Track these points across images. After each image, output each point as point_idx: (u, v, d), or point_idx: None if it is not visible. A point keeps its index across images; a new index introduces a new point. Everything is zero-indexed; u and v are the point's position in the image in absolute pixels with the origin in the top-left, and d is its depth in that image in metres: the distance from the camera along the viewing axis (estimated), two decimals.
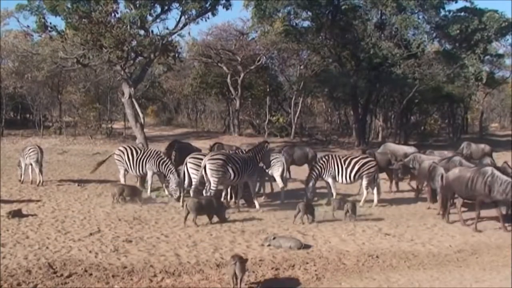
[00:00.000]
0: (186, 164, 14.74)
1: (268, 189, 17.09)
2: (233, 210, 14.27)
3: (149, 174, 16.37)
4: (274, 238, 11.01)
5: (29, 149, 18.00)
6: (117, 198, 14.65)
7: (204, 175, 13.97)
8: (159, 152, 16.88)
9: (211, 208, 12.61)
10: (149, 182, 16.38)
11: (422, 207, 15.63)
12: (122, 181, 16.57)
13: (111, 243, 10.83)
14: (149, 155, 16.44)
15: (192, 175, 14.58)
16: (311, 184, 15.65)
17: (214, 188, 13.94)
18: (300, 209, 12.93)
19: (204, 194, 13.78)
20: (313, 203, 14.70)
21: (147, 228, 12.16)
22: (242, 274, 8.34)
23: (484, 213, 14.52)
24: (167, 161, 16.31)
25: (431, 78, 35.68)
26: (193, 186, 14.50)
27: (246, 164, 14.46)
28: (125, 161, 16.49)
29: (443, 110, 46.73)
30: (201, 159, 14.66)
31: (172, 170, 15.93)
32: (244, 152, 16.36)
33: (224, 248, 10.66)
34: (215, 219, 12.69)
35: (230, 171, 14.06)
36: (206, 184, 14.00)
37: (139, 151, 16.71)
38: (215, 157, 14.24)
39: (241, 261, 8.40)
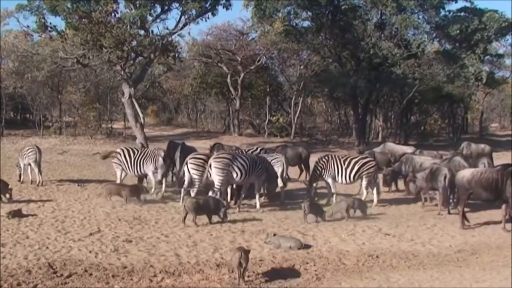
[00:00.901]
0: (187, 164, 14.74)
1: None
2: (233, 210, 14.26)
3: (150, 174, 16.32)
4: (274, 235, 11.02)
5: (27, 149, 17.96)
6: (128, 198, 14.57)
7: (210, 174, 13.99)
8: (155, 151, 16.69)
9: (210, 208, 12.56)
10: (153, 183, 16.27)
11: (422, 207, 15.61)
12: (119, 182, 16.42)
13: (111, 243, 10.83)
14: (147, 155, 16.33)
15: (193, 175, 14.58)
16: (314, 184, 15.73)
17: (218, 187, 13.95)
18: (306, 208, 12.96)
19: (210, 194, 13.79)
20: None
21: (147, 228, 12.16)
22: (246, 265, 8.57)
23: (484, 213, 14.59)
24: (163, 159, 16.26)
25: (431, 78, 35.70)
26: (193, 187, 14.51)
27: (254, 163, 14.40)
28: (123, 162, 16.33)
29: (443, 110, 46.76)
30: (202, 159, 14.67)
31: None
32: (244, 152, 16.35)
33: (224, 248, 10.66)
34: (216, 218, 12.66)
35: (236, 170, 14.04)
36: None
37: (136, 152, 16.57)
38: (220, 156, 14.26)
39: (245, 252, 8.64)
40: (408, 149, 21.06)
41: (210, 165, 13.98)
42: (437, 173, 14.85)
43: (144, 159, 16.23)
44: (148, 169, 16.16)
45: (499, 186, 12.45)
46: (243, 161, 14.22)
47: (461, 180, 13.08)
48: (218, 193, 14.08)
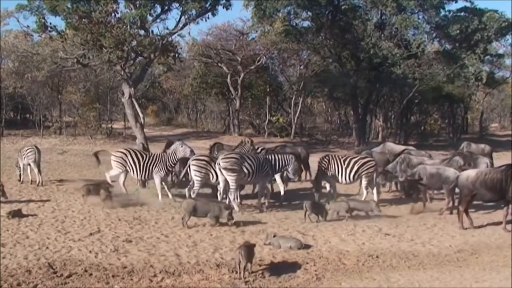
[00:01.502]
0: (188, 166, 14.71)
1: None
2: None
3: (157, 180, 15.72)
4: (274, 236, 11.03)
5: (27, 149, 17.92)
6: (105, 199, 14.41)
7: (220, 176, 13.99)
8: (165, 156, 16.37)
9: (207, 210, 12.28)
10: (159, 187, 15.98)
11: (422, 207, 15.59)
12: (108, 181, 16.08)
13: (111, 243, 10.84)
14: (157, 161, 15.80)
15: (194, 177, 14.57)
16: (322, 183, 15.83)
17: (233, 187, 13.98)
18: (307, 207, 12.97)
19: (224, 196, 13.82)
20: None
21: (147, 228, 12.17)
22: (247, 261, 8.72)
23: (484, 213, 14.59)
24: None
25: (431, 78, 35.69)
26: (194, 188, 14.51)
27: (260, 164, 14.46)
28: (129, 164, 15.76)
29: (443, 110, 46.73)
30: (205, 161, 14.65)
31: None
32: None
33: (224, 248, 10.67)
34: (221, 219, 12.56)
35: (245, 169, 14.10)
36: (221, 185, 14.01)
37: (144, 156, 16.01)
38: (228, 156, 14.29)
39: (249, 248, 8.81)
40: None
41: (219, 166, 13.97)
42: (446, 174, 14.74)
43: (154, 164, 15.74)
44: (157, 174, 15.64)
45: (503, 186, 12.42)
46: (250, 161, 14.30)
47: (465, 181, 12.93)
48: (235, 194, 14.10)
